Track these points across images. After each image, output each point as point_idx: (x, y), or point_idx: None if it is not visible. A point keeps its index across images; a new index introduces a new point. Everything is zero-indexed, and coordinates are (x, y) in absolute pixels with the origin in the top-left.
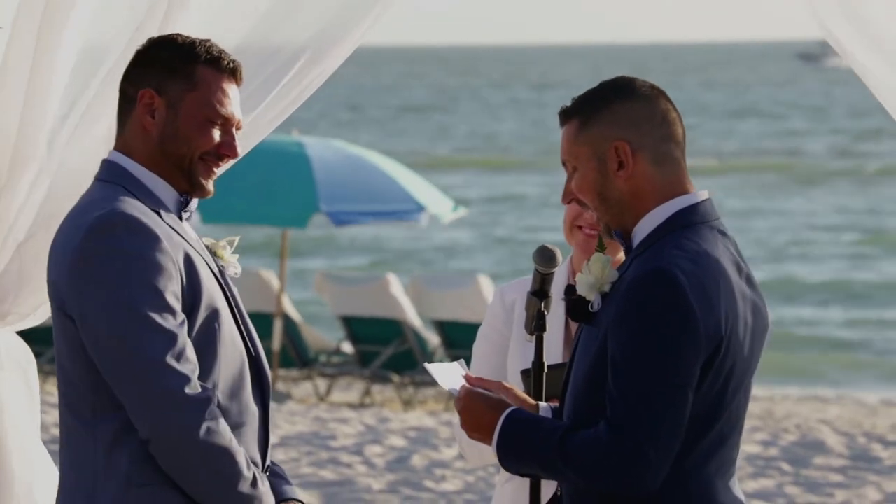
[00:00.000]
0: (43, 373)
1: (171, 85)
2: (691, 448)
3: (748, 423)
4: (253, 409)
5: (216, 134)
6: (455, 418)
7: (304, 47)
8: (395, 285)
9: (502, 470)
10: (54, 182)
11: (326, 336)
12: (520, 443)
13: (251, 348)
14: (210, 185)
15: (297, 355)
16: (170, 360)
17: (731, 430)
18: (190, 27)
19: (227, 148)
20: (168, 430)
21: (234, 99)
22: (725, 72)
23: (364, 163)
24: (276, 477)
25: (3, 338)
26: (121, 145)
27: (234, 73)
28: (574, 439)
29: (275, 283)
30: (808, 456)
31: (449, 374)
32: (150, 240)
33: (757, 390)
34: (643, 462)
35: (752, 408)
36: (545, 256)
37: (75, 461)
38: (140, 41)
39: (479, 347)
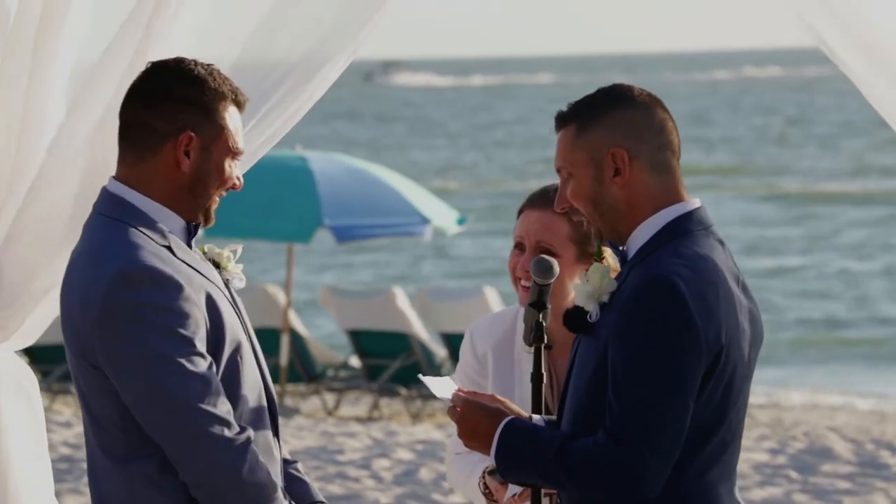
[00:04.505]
0: (51, 392)
1: (206, 127)
2: (694, 456)
3: (756, 432)
4: (271, 432)
5: (233, 170)
6: (450, 444)
7: (295, 64)
8: (402, 298)
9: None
10: (52, 202)
11: (333, 350)
12: (519, 451)
13: (260, 369)
14: (214, 215)
15: (304, 370)
16: (207, 405)
17: (732, 437)
18: (181, 46)
19: (237, 182)
20: (214, 475)
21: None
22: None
23: (367, 176)
24: (299, 482)
25: (2, 358)
26: (128, 176)
27: (244, 105)
28: (573, 447)
29: (281, 297)
30: (816, 463)
31: (443, 386)
32: (174, 290)
33: (762, 398)
34: (642, 470)
35: (760, 415)
36: (542, 267)
37: (107, 499)
38: (134, 61)
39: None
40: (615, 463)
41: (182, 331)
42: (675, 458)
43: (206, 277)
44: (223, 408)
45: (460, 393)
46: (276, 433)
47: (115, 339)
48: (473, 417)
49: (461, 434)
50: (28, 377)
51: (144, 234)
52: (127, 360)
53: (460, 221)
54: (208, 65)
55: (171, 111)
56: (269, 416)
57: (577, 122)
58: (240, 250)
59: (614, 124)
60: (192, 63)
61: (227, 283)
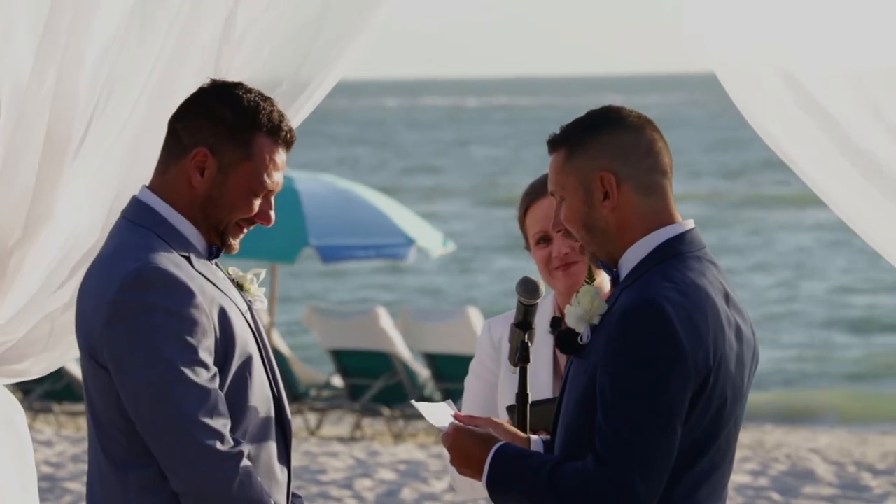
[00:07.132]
0: (33, 410)
1: (228, 149)
2: (681, 477)
3: (738, 453)
4: (276, 452)
5: (257, 203)
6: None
7: (280, 82)
8: (385, 318)
9: None
10: (74, 244)
11: (316, 370)
12: (509, 478)
13: (274, 388)
14: (237, 244)
15: (287, 389)
16: (203, 416)
17: (722, 459)
18: (189, 69)
19: (263, 217)
20: (201, 486)
21: (282, 167)
22: None
23: (353, 196)
24: None
25: None
26: (158, 186)
27: (289, 144)
28: (563, 473)
29: (264, 317)
30: (797, 485)
31: (437, 412)
32: (185, 295)
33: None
34: (632, 495)
35: (742, 437)
36: (528, 288)
37: (104, 501)
38: (151, 84)
39: (469, 382)
40: (604, 488)
41: (188, 337)
42: (664, 482)
43: (221, 291)
44: (219, 421)
45: (455, 420)
46: (285, 457)
47: (121, 337)
48: (465, 445)
49: (453, 462)
50: (16, 408)
51: (165, 241)
52: (129, 358)
53: (445, 243)
54: (267, 97)
55: (198, 124)
56: (280, 438)
57: (566, 147)
58: (263, 274)
59: (602, 148)
60: (247, 89)
61: (249, 305)
